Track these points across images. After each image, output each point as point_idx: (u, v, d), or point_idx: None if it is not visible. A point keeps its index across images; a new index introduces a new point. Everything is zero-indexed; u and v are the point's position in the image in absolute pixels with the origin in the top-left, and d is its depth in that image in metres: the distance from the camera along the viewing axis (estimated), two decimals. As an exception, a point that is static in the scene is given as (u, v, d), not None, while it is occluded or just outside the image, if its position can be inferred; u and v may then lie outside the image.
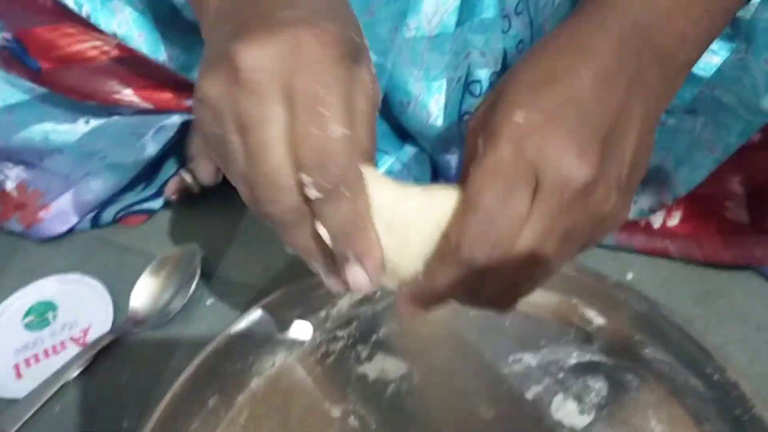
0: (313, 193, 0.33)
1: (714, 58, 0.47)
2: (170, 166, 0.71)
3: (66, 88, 0.59)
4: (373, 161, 0.37)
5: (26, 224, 0.68)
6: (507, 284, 0.35)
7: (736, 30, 0.46)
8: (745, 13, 0.45)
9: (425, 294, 0.37)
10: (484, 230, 0.33)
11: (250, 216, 0.69)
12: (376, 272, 0.36)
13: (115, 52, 0.57)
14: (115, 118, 0.62)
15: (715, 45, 0.47)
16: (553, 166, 0.33)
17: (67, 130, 0.63)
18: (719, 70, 0.47)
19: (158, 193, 0.71)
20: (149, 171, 0.70)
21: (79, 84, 0.59)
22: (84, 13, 0.52)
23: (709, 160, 0.49)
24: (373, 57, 0.48)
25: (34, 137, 0.63)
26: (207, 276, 0.64)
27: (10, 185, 0.68)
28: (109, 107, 0.61)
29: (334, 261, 0.36)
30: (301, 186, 0.33)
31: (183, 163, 0.71)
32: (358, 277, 0.36)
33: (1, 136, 0.63)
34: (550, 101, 0.34)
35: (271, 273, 0.63)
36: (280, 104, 0.32)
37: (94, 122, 0.63)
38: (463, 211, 0.34)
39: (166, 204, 0.71)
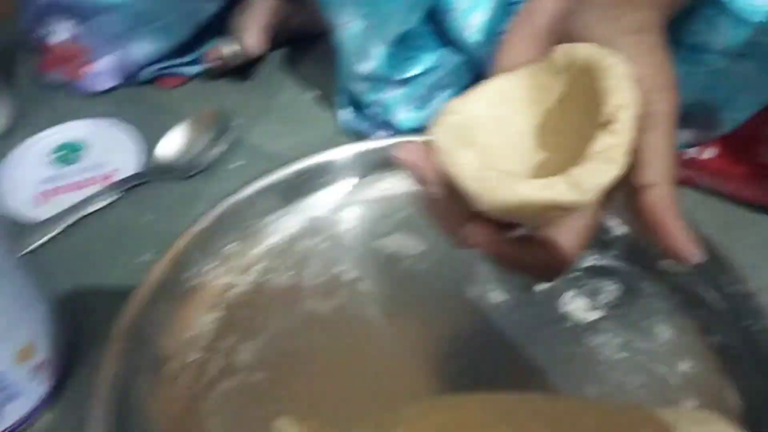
0: None
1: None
2: (211, 39, 0.72)
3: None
4: None
5: (68, 77, 0.69)
6: None
7: None
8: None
9: None
10: None
11: (287, 95, 0.70)
12: None
13: None
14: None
15: None
16: None
17: None
18: None
19: (196, 61, 0.71)
20: (190, 40, 0.70)
21: None
22: None
23: (754, 102, 0.50)
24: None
25: None
26: (237, 141, 0.64)
27: (58, 38, 0.68)
28: None
29: None
30: None
31: (227, 35, 0.71)
32: None
33: None
34: None
35: (302, 148, 0.64)
36: None
37: None
38: None
39: (203, 72, 0.71)
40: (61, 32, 0.68)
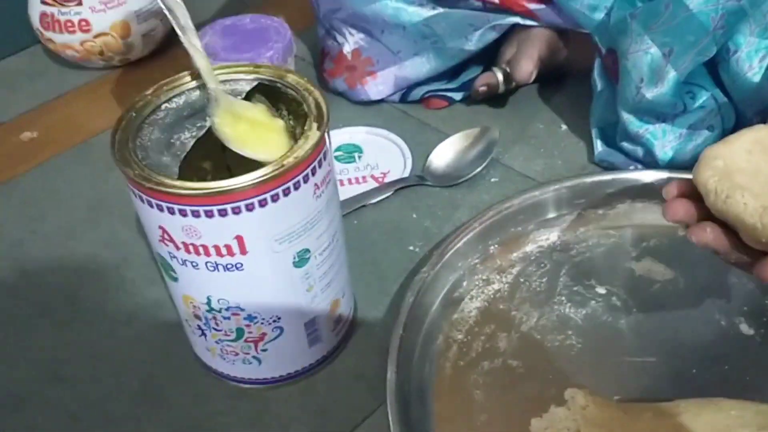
0: None
1: None
2: (475, 68, 0.79)
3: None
4: None
5: (350, 85, 0.78)
6: None
7: None
8: None
9: None
10: None
11: (541, 123, 0.75)
12: None
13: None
14: (457, 9, 0.70)
15: None
16: None
17: (415, 11, 0.72)
18: None
19: (460, 88, 0.79)
20: (457, 67, 0.78)
21: None
22: None
23: None
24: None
25: (386, 11, 0.73)
26: (493, 160, 0.71)
27: (347, 48, 0.78)
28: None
29: None
30: None
31: (487, 67, 0.78)
32: None
33: (355, 3, 0.73)
34: None
35: (551, 172, 0.69)
36: None
37: (439, 9, 0.72)
38: None
39: (466, 98, 0.79)
40: (350, 43, 0.77)
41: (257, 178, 0.41)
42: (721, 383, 0.50)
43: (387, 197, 0.68)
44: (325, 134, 0.44)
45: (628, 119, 0.65)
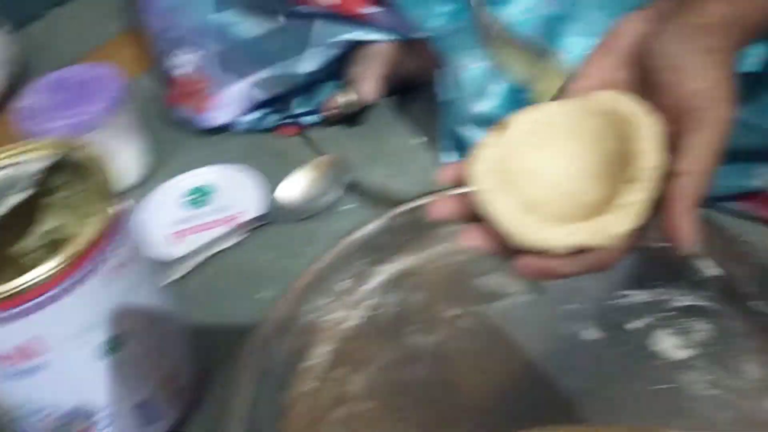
0: None
1: None
2: (328, 89, 0.78)
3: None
4: None
5: (194, 111, 0.76)
6: None
7: None
8: None
9: None
10: None
11: (395, 140, 0.75)
12: None
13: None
14: (296, 21, 0.69)
15: None
16: None
17: (254, 24, 0.71)
18: None
19: (314, 111, 0.77)
20: (308, 89, 0.77)
21: None
22: None
23: None
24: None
25: (217, 24, 0.72)
26: (351, 185, 0.70)
27: (184, 71, 0.76)
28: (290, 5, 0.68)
29: None
30: None
31: (342, 86, 0.77)
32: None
33: (184, 18, 0.72)
34: None
35: (410, 191, 0.69)
36: None
37: (276, 24, 0.71)
38: None
39: (320, 122, 0.77)
40: (187, 66, 0.75)
41: (45, 273, 0.39)
42: (580, 396, 0.51)
43: (241, 240, 0.66)
44: (119, 211, 0.42)
45: (467, 131, 0.65)
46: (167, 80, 0.78)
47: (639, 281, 0.56)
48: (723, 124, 0.38)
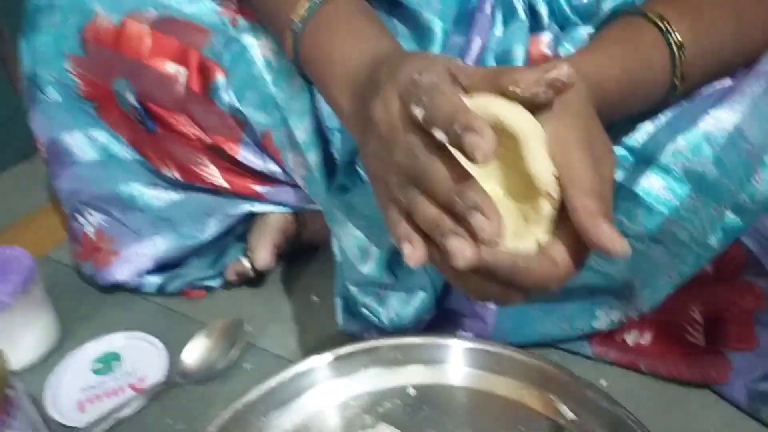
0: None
1: (672, 197, 0.58)
2: (233, 253, 0.84)
3: (166, 154, 0.74)
4: None
5: (97, 267, 0.81)
6: None
7: (690, 177, 0.57)
8: (702, 167, 0.56)
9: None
10: None
11: (293, 301, 0.81)
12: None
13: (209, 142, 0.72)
14: (195, 194, 0.76)
15: (676, 186, 0.57)
16: None
17: (155, 195, 0.78)
18: (677, 208, 0.57)
19: (219, 275, 0.84)
20: (214, 253, 0.83)
21: (177, 151, 0.73)
22: None
23: (668, 284, 0.60)
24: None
25: (123, 194, 0.78)
26: (248, 345, 0.75)
27: (90, 229, 0.81)
28: (188, 182, 0.75)
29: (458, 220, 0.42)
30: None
31: (243, 252, 0.83)
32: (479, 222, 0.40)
33: (94, 185, 0.78)
34: None
35: (305, 350, 0.74)
36: None
37: (176, 196, 0.77)
38: None
39: (225, 284, 0.83)
40: (93, 224, 0.80)
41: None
42: None
43: (144, 406, 0.70)
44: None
45: (354, 291, 0.71)
46: (74, 239, 0.83)
47: (504, 426, 0.61)
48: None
